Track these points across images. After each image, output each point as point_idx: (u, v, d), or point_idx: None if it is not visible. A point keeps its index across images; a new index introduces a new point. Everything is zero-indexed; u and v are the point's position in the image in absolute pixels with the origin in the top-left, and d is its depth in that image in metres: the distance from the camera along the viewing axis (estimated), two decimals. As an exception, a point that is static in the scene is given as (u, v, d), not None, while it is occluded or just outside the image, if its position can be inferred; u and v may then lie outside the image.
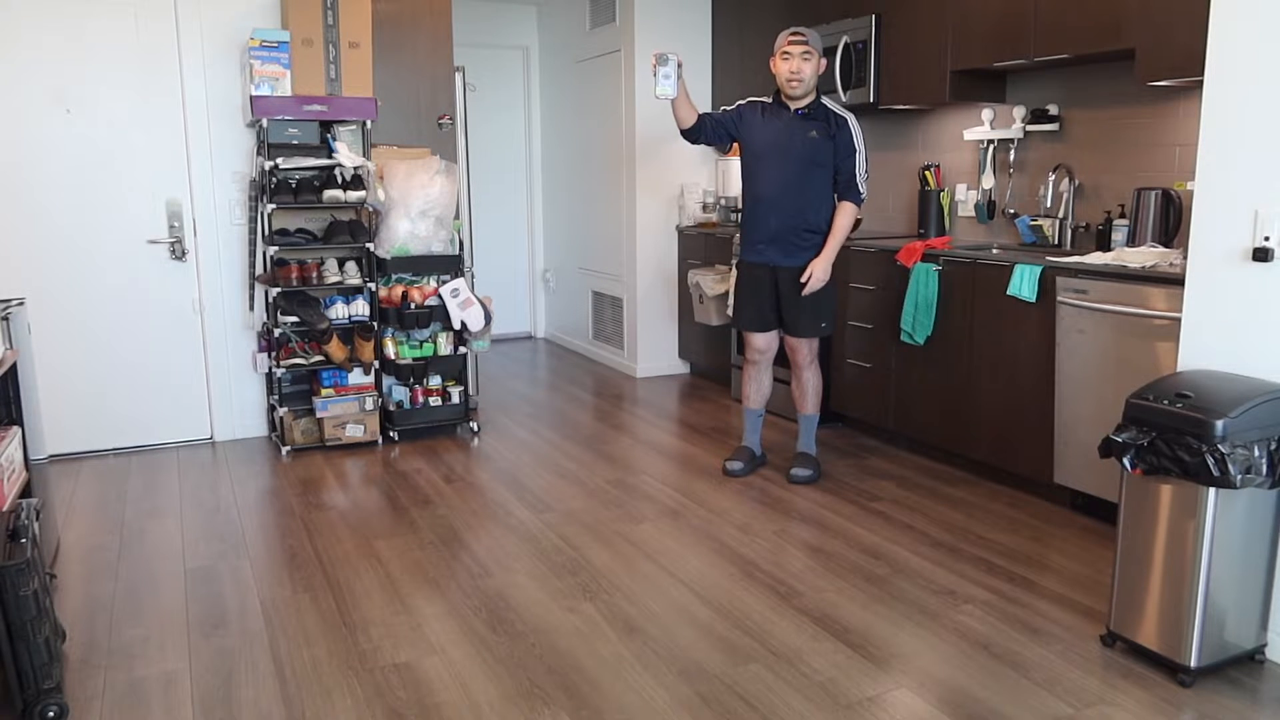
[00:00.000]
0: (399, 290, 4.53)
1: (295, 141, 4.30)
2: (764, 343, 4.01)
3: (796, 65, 3.68)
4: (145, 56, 4.39)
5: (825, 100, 3.80)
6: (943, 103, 4.39)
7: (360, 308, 4.48)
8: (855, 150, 3.76)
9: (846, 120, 3.76)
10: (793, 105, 3.77)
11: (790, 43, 3.69)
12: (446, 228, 4.61)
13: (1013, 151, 4.37)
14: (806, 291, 3.80)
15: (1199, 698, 2.35)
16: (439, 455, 4.45)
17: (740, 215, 3.99)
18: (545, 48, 7.21)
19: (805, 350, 3.96)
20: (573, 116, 6.83)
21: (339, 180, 4.34)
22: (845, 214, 3.81)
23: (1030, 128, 4.22)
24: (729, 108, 3.95)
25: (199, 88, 4.47)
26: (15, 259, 4.28)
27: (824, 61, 3.76)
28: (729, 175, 5.99)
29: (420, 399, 4.68)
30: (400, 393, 4.70)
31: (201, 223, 4.55)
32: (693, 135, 3.92)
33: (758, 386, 4.10)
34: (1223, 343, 2.55)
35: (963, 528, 3.47)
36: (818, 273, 3.78)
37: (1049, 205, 4.17)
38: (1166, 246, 3.52)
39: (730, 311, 4.10)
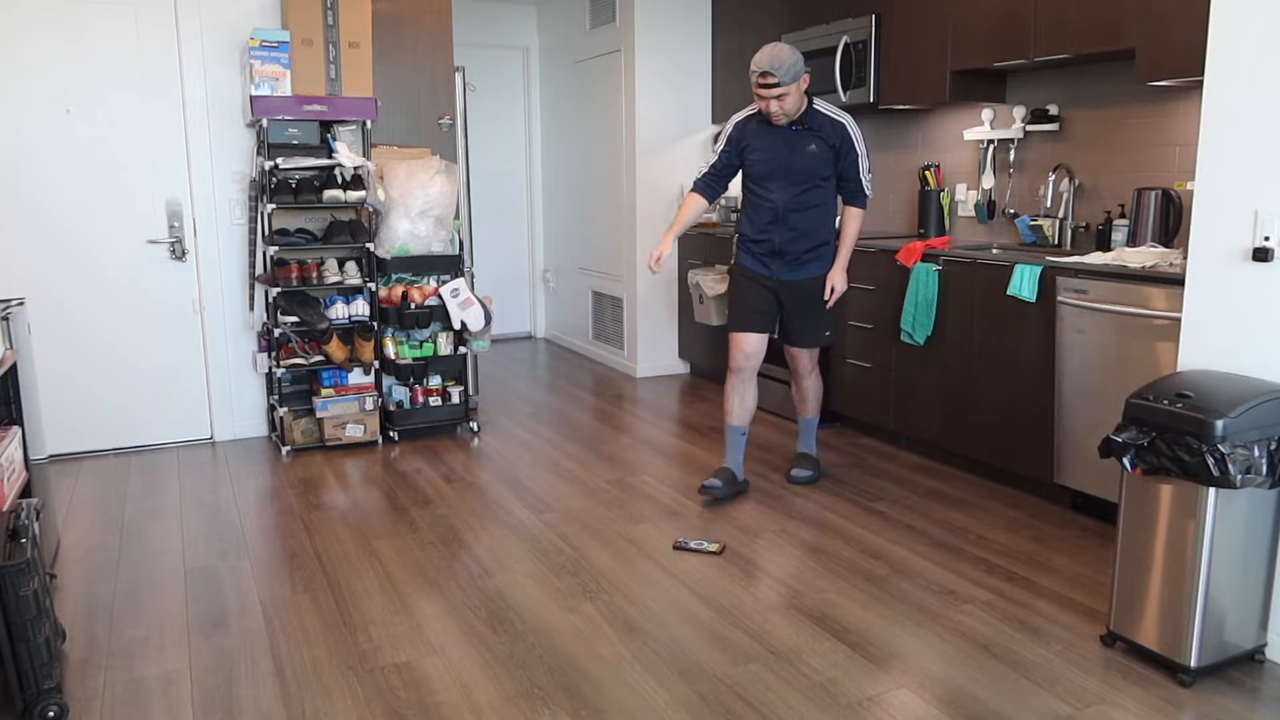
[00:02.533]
0: (399, 290, 4.53)
1: (295, 141, 4.30)
2: (754, 346, 3.77)
3: (774, 107, 3.51)
4: (145, 56, 4.39)
5: (818, 105, 3.62)
6: (943, 103, 4.39)
7: (360, 308, 4.49)
8: (859, 154, 3.64)
9: (844, 125, 3.61)
10: (780, 123, 3.62)
11: (759, 85, 3.47)
12: (446, 228, 4.61)
13: (1013, 151, 4.37)
14: (831, 304, 3.75)
15: (1199, 698, 2.35)
16: (439, 455, 4.45)
17: (739, 220, 3.85)
18: (545, 48, 7.21)
19: (808, 359, 3.90)
20: (573, 116, 6.83)
21: (339, 180, 4.34)
22: (854, 220, 3.71)
23: (1030, 128, 4.22)
24: (721, 145, 3.75)
25: (199, 88, 4.47)
26: (15, 259, 4.28)
27: (807, 76, 3.51)
28: (729, 175, 5.99)
29: (420, 399, 4.68)
30: (400, 393, 4.70)
31: (201, 223, 4.56)
32: (715, 199, 3.86)
33: (741, 400, 3.81)
34: (1223, 343, 2.55)
35: (963, 528, 3.47)
36: (839, 285, 3.72)
37: (1049, 205, 4.17)
38: (1166, 246, 3.52)
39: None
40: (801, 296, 3.76)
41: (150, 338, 4.56)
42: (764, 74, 3.44)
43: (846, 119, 3.63)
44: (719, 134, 3.79)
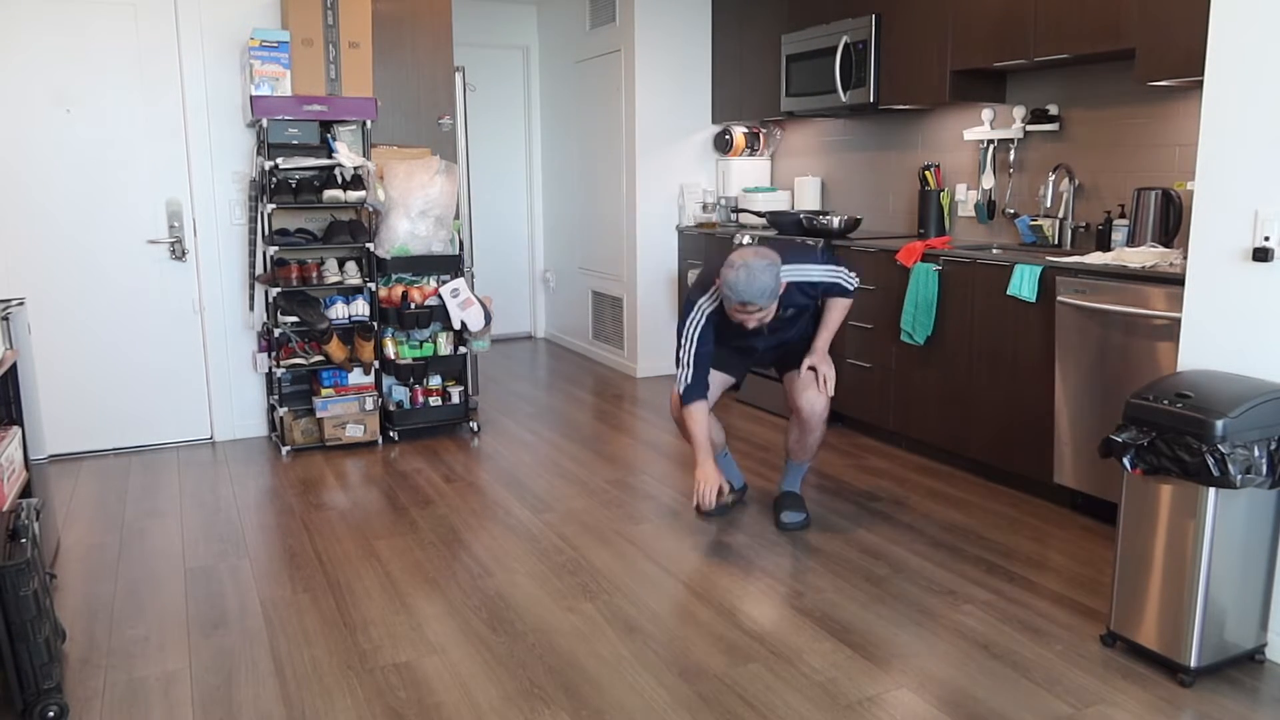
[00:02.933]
0: (399, 290, 4.53)
1: (295, 141, 4.30)
2: (717, 382, 3.38)
3: (753, 324, 3.11)
4: (145, 56, 4.39)
5: (788, 276, 3.17)
6: (943, 103, 4.39)
7: (360, 308, 4.48)
8: (833, 281, 3.30)
9: (814, 282, 3.27)
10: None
11: (738, 311, 3.07)
12: (446, 228, 4.61)
13: (1013, 151, 4.37)
14: (827, 384, 3.34)
15: (1199, 698, 2.35)
16: (439, 455, 4.45)
17: (711, 296, 3.26)
18: (545, 48, 7.21)
19: (824, 402, 3.38)
20: (573, 116, 6.83)
21: (339, 180, 4.34)
22: (839, 309, 3.38)
23: (1030, 128, 4.22)
24: (695, 336, 3.25)
25: (199, 88, 4.47)
26: (15, 259, 4.28)
27: (783, 284, 3.10)
28: (729, 175, 5.99)
29: (420, 399, 4.68)
30: (400, 393, 4.70)
31: (201, 223, 4.56)
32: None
33: (706, 434, 3.34)
34: (1223, 343, 2.55)
35: (963, 528, 3.47)
36: (829, 371, 3.34)
37: (1049, 205, 4.17)
38: (1166, 246, 3.52)
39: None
40: (794, 343, 3.45)
41: (150, 338, 4.56)
42: (744, 304, 3.04)
43: (811, 272, 3.25)
44: (684, 329, 3.28)
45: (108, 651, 2.64)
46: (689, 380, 3.26)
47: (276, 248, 4.33)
